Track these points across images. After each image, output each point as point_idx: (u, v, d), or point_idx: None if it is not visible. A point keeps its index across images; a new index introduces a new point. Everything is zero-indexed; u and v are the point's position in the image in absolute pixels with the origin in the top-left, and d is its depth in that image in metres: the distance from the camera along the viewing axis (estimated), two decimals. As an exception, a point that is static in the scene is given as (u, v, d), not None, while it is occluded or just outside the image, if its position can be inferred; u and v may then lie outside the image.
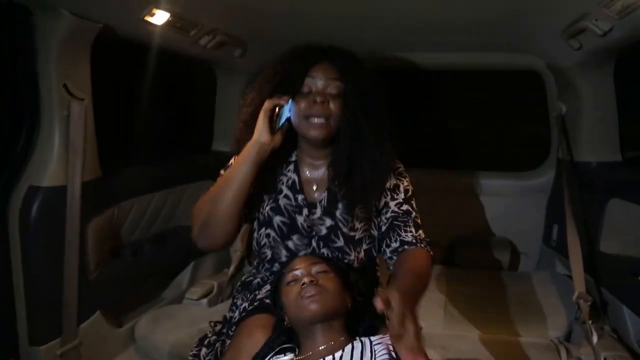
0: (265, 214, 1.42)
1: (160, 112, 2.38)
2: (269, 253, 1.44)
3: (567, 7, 1.60)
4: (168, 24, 1.69)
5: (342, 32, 2.09)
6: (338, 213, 1.39)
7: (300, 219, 1.39)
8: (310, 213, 1.40)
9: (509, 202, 2.78)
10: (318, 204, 1.40)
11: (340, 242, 1.39)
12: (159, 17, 1.63)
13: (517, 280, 2.43)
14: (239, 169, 1.29)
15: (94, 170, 1.69)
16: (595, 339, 1.70)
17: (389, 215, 1.40)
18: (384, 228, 1.41)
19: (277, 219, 1.40)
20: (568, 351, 1.78)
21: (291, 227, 1.40)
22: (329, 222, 1.39)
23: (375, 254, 1.48)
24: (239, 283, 1.58)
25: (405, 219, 1.39)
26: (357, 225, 1.39)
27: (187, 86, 2.67)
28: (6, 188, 1.50)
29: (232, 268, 2.42)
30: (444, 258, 2.79)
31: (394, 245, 1.38)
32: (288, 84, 1.33)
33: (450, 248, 2.83)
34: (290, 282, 1.19)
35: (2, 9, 1.44)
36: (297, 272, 1.19)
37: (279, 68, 1.37)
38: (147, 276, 2.11)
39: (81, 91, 1.58)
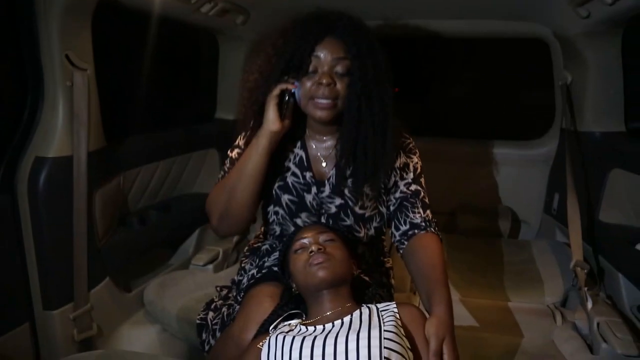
0: (274, 192, 1.40)
1: (163, 81, 2.36)
2: (277, 229, 1.45)
3: (576, -27, 1.57)
4: (169, -9, 1.67)
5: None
6: (347, 191, 1.36)
7: (309, 197, 1.38)
8: (319, 191, 1.38)
9: (512, 171, 2.80)
10: (326, 181, 1.38)
11: (350, 221, 1.38)
12: (160, -16, 1.62)
13: (517, 248, 2.46)
14: (252, 160, 1.28)
15: (99, 140, 1.70)
16: (589, 304, 1.74)
17: (397, 195, 1.38)
18: (392, 208, 1.40)
19: (286, 198, 1.39)
20: (563, 316, 1.82)
21: (300, 206, 1.39)
22: (338, 200, 1.37)
23: (384, 230, 1.48)
24: (246, 248, 1.61)
25: (414, 200, 1.37)
26: (367, 203, 1.37)
27: (189, 54, 2.64)
28: (13, 160, 1.51)
29: (236, 235, 2.46)
30: (445, 225, 2.82)
31: (403, 228, 1.36)
32: (293, 63, 1.26)
33: (452, 215, 2.87)
34: (298, 250, 1.21)
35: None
36: (305, 241, 1.22)
37: (283, 44, 1.28)
38: (154, 243, 2.15)
39: (84, 61, 1.57)
